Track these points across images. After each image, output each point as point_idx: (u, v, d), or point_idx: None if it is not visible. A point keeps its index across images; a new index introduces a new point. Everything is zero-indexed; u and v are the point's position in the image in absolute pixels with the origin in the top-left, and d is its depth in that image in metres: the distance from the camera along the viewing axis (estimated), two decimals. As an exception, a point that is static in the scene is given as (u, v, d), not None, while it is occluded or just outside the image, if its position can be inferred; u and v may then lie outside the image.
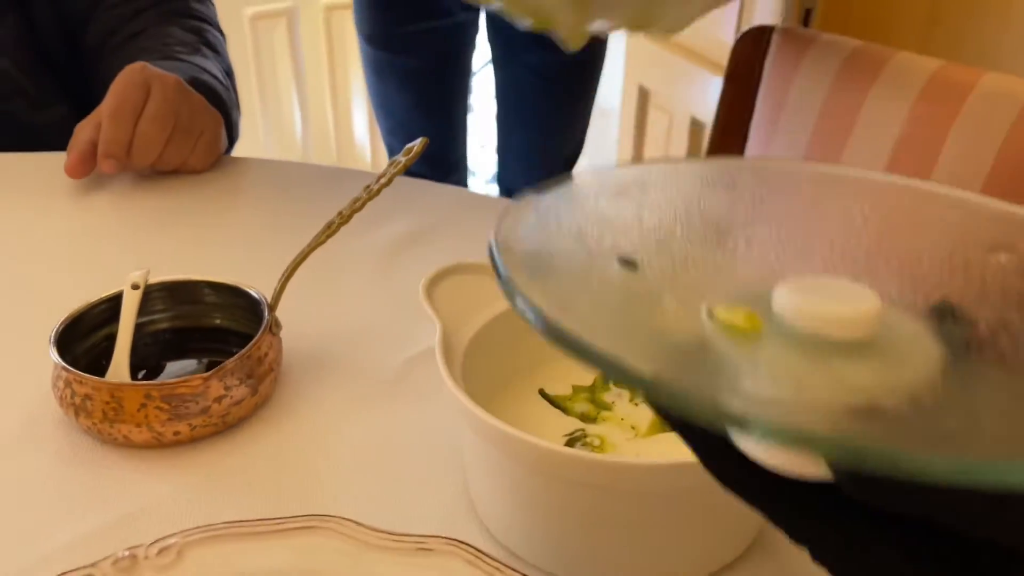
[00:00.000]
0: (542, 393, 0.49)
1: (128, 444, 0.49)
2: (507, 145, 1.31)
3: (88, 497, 0.46)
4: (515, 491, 0.41)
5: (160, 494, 0.46)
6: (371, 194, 0.54)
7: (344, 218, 0.54)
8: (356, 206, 0.54)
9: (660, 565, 0.41)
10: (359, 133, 2.24)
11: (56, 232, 0.73)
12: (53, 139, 0.84)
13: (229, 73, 0.96)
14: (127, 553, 0.37)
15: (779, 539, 0.44)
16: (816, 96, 0.91)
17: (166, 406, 0.48)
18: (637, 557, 0.40)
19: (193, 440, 0.49)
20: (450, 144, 1.30)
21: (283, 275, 0.54)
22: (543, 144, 1.28)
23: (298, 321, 0.57)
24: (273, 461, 0.49)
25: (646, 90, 1.55)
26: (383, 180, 0.54)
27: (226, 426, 0.50)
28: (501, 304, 0.48)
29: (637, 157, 1.65)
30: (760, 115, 0.97)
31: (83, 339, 0.53)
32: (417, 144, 0.54)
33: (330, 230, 0.54)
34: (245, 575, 0.36)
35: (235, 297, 0.56)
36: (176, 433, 0.48)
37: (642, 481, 0.37)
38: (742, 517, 0.41)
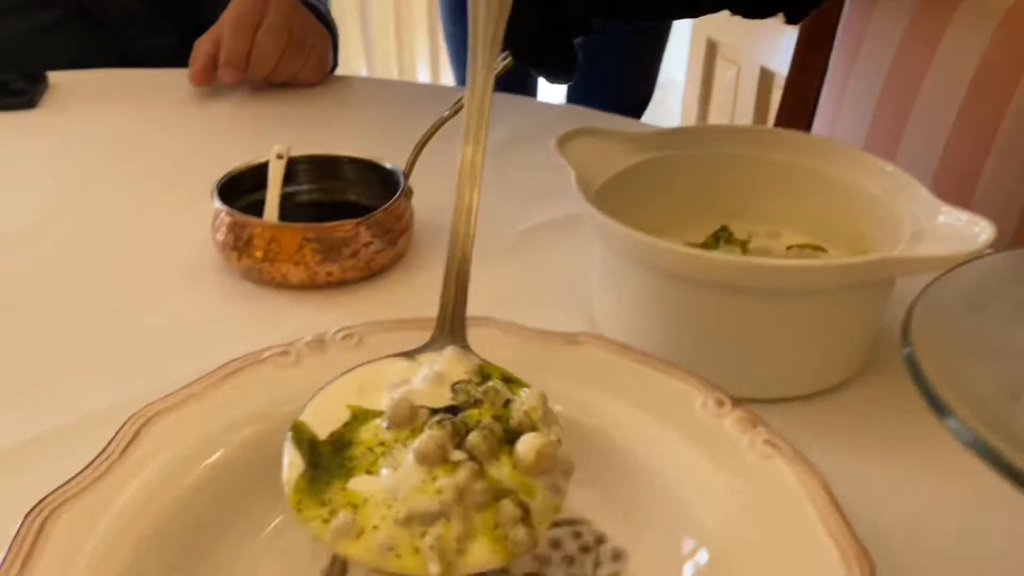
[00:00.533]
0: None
1: (285, 284, 0.54)
2: (580, 85, 1.35)
3: (250, 328, 0.52)
4: (648, 303, 0.45)
5: (316, 325, 0.51)
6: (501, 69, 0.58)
7: (457, 107, 0.59)
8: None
9: (782, 374, 0.45)
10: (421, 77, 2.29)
11: (185, 134, 0.79)
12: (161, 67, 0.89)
13: (327, 6, 1.01)
14: (313, 337, 0.42)
15: (889, 360, 0.48)
16: (895, 28, 0.94)
17: (321, 247, 0.53)
18: (762, 365, 0.44)
19: (342, 282, 0.54)
20: (520, 85, 1.35)
21: (416, 146, 0.59)
22: (614, 87, 1.32)
23: (427, 196, 0.62)
24: (411, 301, 0.54)
25: (714, 42, 1.58)
26: (505, 61, 0.58)
27: (370, 272, 0.55)
28: (627, 162, 0.53)
29: (703, 110, 1.68)
30: (837, 55, 1.00)
31: (236, 202, 0.58)
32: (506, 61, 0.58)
33: (457, 107, 0.58)
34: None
35: (371, 172, 0.61)
36: (329, 273, 0.54)
37: (785, 280, 0.41)
38: (865, 328, 0.45)
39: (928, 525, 0.39)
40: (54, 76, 0.88)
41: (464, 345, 0.38)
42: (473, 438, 0.32)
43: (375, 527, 0.30)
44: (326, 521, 0.30)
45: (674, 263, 0.42)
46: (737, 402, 0.38)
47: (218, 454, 0.36)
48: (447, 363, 0.37)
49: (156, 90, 0.87)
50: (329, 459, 0.32)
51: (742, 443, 0.36)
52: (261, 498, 0.36)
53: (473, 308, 0.54)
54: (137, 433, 0.35)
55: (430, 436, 0.31)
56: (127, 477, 0.34)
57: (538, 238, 0.62)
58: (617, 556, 0.35)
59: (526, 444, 0.32)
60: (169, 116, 0.81)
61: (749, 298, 0.42)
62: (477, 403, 0.34)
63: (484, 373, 0.36)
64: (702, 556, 0.33)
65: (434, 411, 0.33)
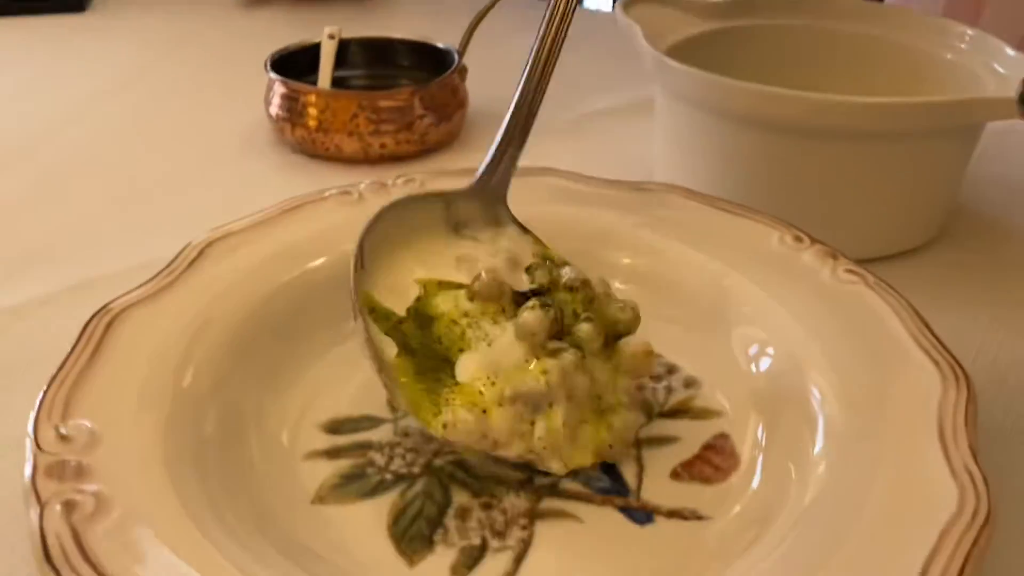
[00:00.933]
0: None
1: (338, 156, 0.53)
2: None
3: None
4: (718, 154, 0.44)
5: (370, 194, 0.51)
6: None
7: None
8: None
9: (860, 231, 0.43)
10: None
11: (234, 33, 0.78)
12: None
13: None
14: (374, 180, 0.41)
15: (966, 228, 0.46)
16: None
17: (375, 117, 0.52)
18: (840, 221, 0.43)
19: (395, 157, 0.53)
20: None
21: (472, 22, 0.58)
22: None
23: (480, 82, 0.61)
24: (468, 177, 0.53)
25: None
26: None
27: (424, 147, 0.54)
28: (691, 31, 0.51)
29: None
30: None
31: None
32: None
33: (517, -19, 0.57)
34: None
35: (425, 55, 0.60)
36: (382, 145, 0.53)
37: (869, 120, 0.39)
38: (949, 182, 0.43)
39: (1009, 370, 0.37)
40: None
41: (503, 199, 0.37)
42: (584, 328, 0.30)
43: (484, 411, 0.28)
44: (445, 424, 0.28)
45: (748, 102, 0.40)
46: (816, 239, 0.36)
47: (285, 277, 0.35)
48: (514, 242, 0.36)
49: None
50: (418, 340, 0.31)
51: (823, 273, 0.34)
52: (324, 323, 0.35)
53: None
54: (201, 253, 0.35)
55: (535, 315, 0.29)
56: (190, 290, 0.33)
57: (598, 122, 0.60)
58: (689, 384, 0.34)
59: (632, 346, 0.31)
60: (218, 18, 0.81)
61: (827, 143, 0.41)
62: (569, 288, 0.32)
63: (546, 256, 0.35)
64: (779, 369, 0.32)
65: (522, 294, 0.32)
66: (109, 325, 0.30)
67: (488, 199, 0.37)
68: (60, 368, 0.28)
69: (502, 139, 0.38)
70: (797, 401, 0.30)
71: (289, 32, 0.78)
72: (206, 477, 0.26)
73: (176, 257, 0.34)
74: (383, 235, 0.33)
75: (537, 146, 0.58)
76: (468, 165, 0.54)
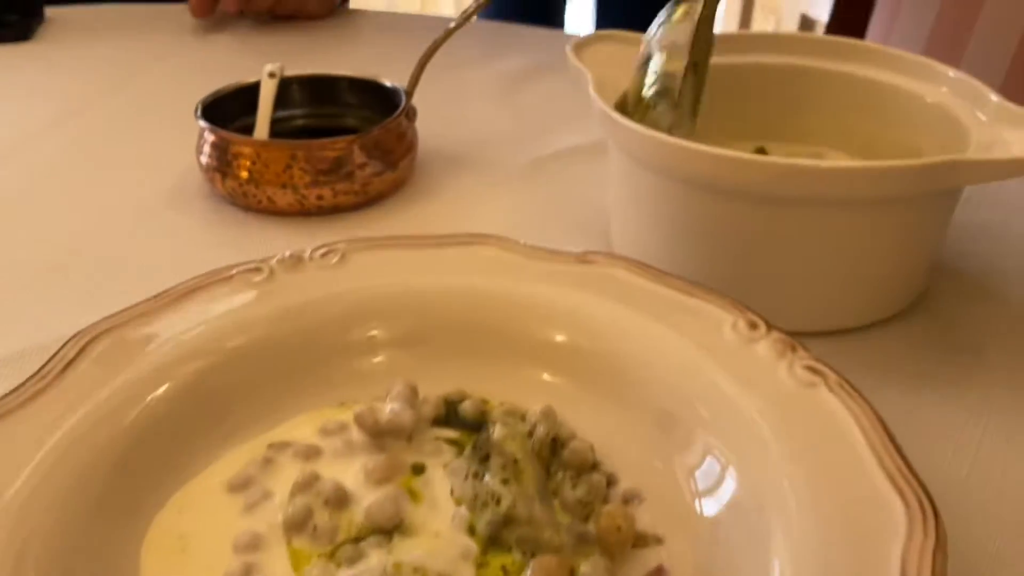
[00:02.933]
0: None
1: (271, 208, 0.49)
2: (606, 16, 1.28)
3: (231, 255, 0.46)
4: (674, 221, 0.40)
5: (304, 252, 0.47)
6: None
7: (480, 5, 0.53)
8: (493, -8, 0.53)
9: (829, 302, 0.39)
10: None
11: (182, 67, 0.74)
12: None
13: None
14: (290, 254, 0.37)
15: (945, 298, 0.42)
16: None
17: (311, 168, 0.48)
18: (806, 293, 0.39)
19: (335, 208, 0.49)
20: (543, 16, 1.28)
21: (420, 60, 0.53)
22: (643, 14, 1.24)
23: (431, 124, 0.57)
24: (411, 231, 0.49)
25: (751, -11, 1.50)
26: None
27: (367, 198, 0.50)
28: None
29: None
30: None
31: (224, 125, 0.54)
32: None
33: (467, 14, 0.53)
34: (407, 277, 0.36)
35: (371, 94, 0.56)
36: (319, 197, 0.49)
37: (837, 186, 0.35)
38: (925, 249, 0.40)
39: (992, 470, 0.33)
40: (52, 10, 0.83)
41: None
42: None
43: None
44: None
45: (707, 169, 0.36)
46: (773, 325, 0.32)
47: (163, 388, 0.31)
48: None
49: (156, 23, 0.82)
50: None
51: (779, 370, 0.31)
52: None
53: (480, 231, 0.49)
54: (80, 352, 0.31)
55: None
56: (59, 402, 0.29)
57: (555, 163, 0.56)
58: (628, 498, 0.30)
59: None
60: (166, 49, 0.76)
61: (793, 210, 0.37)
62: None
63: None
64: (730, 494, 0.28)
65: None
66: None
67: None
68: None
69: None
70: (744, 539, 0.26)
71: (241, 63, 0.75)
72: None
73: (49, 361, 0.30)
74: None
75: (494, 190, 0.54)
76: (414, 221, 0.50)
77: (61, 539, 0.25)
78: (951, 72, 0.44)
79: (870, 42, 0.49)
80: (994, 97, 0.41)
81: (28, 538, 0.25)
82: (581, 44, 0.46)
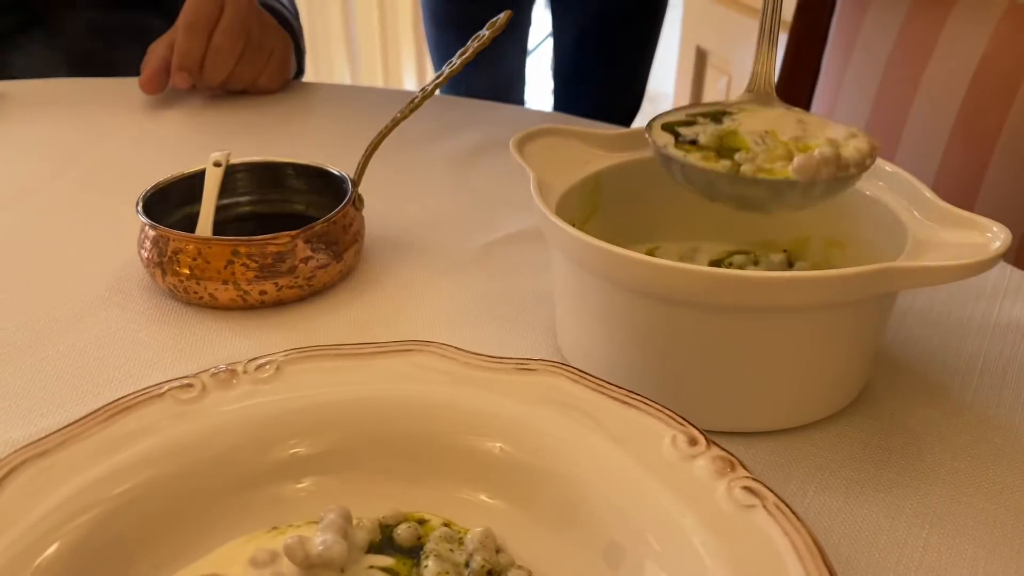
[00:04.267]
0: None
1: (213, 304, 0.48)
2: (566, 96, 1.30)
3: (171, 354, 0.46)
4: (614, 324, 0.40)
5: (243, 352, 0.46)
6: (453, 70, 0.53)
7: (427, 93, 0.53)
8: (439, 80, 0.53)
9: (768, 404, 0.39)
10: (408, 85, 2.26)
11: (131, 144, 0.73)
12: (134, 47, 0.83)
13: (295, 9, 0.96)
14: (225, 367, 0.36)
15: (885, 394, 0.43)
16: (891, 25, 0.88)
17: (253, 264, 0.47)
18: (745, 395, 0.39)
19: (279, 302, 0.49)
20: (508, 95, 1.29)
21: (367, 149, 0.53)
22: (601, 96, 1.26)
23: (379, 208, 0.57)
24: (356, 326, 0.48)
25: (703, 51, 1.53)
26: (466, 55, 0.53)
27: (311, 290, 0.49)
28: (594, 166, 0.47)
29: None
30: (830, 56, 0.95)
31: (167, 216, 0.53)
32: (501, 17, 0.53)
33: (413, 104, 0.53)
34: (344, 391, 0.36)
35: (317, 179, 0.56)
36: (262, 292, 0.48)
37: (772, 295, 0.35)
38: (862, 351, 0.40)
39: (940, 581, 0.33)
40: (3, 85, 0.82)
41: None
42: None
43: None
44: None
45: (644, 277, 0.36)
46: (712, 441, 0.32)
47: (87, 516, 0.30)
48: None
49: (109, 99, 0.81)
50: None
51: (718, 490, 0.30)
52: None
53: (424, 327, 0.48)
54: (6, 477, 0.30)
55: None
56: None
57: (505, 248, 0.56)
58: (568, 629, 0.29)
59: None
60: (116, 125, 0.76)
61: (729, 317, 0.37)
62: None
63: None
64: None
65: None
66: None
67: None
68: None
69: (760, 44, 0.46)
70: None
71: (193, 138, 0.75)
72: None
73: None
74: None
75: (441, 278, 0.54)
76: (360, 312, 0.50)
77: None
78: (888, 166, 0.45)
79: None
80: (928, 194, 0.41)
81: None
82: (524, 139, 0.47)
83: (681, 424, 0.33)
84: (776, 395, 0.39)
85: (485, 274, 0.53)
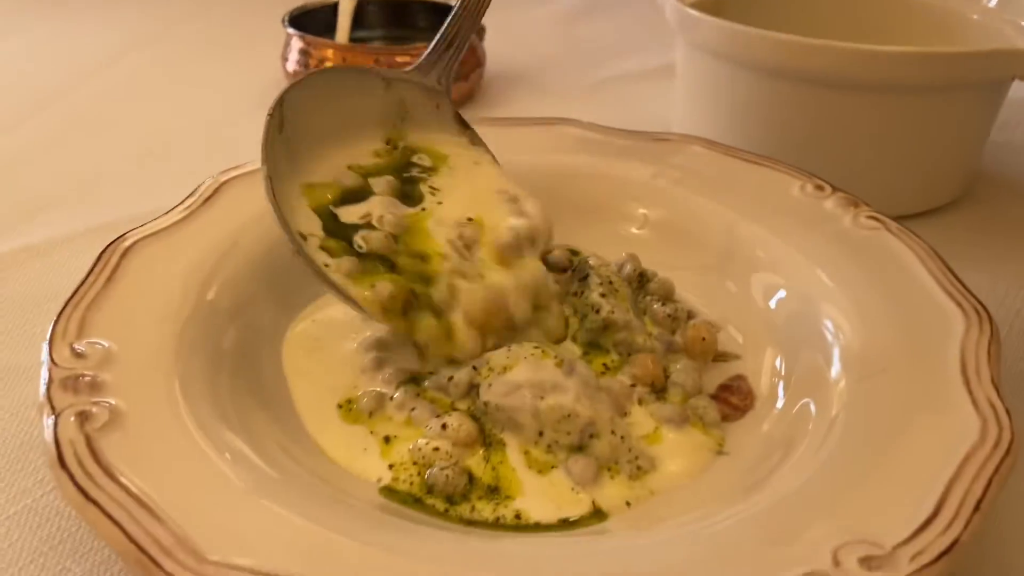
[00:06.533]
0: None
1: (355, 111, 0.53)
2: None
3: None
4: (739, 108, 0.43)
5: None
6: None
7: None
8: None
9: (884, 188, 0.42)
10: None
11: None
12: None
13: None
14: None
15: (988, 190, 0.46)
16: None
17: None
18: (862, 178, 0.42)
19: (412, 113, 0.53)
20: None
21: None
22: None
23: (500, 48, 0.61)
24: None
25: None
26: None
27: (442, 104, 0.54)
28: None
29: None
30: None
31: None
32: None
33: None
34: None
35: (442, 16, 0.59)
36: (400, 101, 0.52)
37: (889, 68, 0.38)
38: (975, 138, 0.43)
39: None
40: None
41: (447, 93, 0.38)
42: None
43: None
44: None
45: (773, 53, 0.40)
46: (837, 187, 0.36)
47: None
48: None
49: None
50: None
51: (844, 220, 0.34)
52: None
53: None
54: (216, 191, 0.35)
55: None
56: (209, 222, 0.33)
57: (617, 86, 0.60)
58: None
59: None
60: None
61: (853, 95, 0.40)
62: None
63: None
64: (796, 307, 0.32)
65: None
66: (124, 254, 0.30)
67: (430, 90, 0.37)
68: (75, 292, 0.28)
69: (447, 29, 0.39)
70: (814, 337, 0.30)
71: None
72: (218, 391, 0.26)
73: (190, 195, 0.34)
74: (314, 106, 0.33)
75: (554, 108, 0.58)
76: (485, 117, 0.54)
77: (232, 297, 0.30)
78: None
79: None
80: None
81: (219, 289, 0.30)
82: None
83: (807, 176, 0.36)
84: (892, 179, 0.42)
85: (599, 103, 0.57)
